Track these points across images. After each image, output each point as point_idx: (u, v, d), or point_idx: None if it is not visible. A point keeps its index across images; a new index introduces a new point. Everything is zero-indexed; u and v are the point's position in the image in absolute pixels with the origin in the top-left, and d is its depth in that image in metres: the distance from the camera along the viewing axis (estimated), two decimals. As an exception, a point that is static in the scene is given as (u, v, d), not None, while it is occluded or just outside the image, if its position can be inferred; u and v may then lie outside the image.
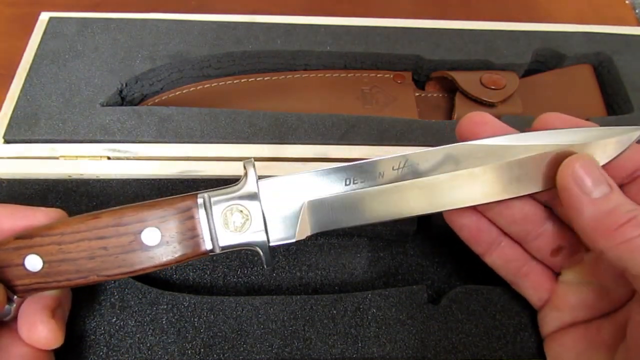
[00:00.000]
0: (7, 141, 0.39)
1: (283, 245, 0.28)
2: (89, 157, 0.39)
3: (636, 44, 0.48)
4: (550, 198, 0.30)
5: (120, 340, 0.32)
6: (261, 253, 0.28)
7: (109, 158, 0.39)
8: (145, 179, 0.38)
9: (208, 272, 0.37)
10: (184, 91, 0.45)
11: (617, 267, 0.25)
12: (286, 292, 0.37)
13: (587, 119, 0.42)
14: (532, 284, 0.32)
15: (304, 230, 0.28)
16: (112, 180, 0.38)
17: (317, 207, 0.28)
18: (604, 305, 0.30)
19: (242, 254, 0.38)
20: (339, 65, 0.47)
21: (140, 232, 0.27)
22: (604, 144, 0.27)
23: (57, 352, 0.30)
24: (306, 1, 0.59)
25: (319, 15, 0.47)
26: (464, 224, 0.31)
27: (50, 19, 0.45)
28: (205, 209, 0.27)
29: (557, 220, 0.30)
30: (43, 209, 0.29)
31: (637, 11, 0.61)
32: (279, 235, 0.28)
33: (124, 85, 0.42)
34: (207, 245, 0.27)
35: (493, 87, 0.44)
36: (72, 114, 0.40)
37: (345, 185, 0.28)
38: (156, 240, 0.27)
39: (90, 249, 0.27)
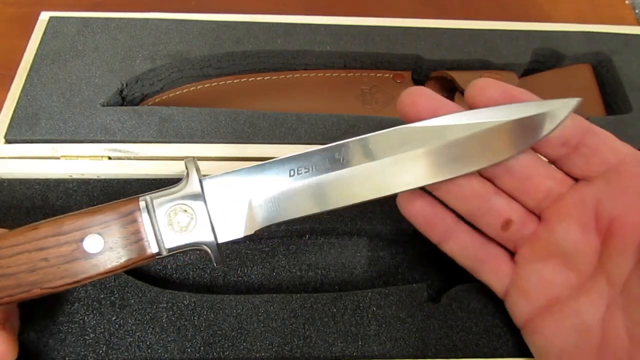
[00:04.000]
0: (8, 141, 0.39)
1: (232, 241, 0.28)
2: (89, 157, 0.39)
3: (636, 44, 0.48)
4: (494, 172, 0.30)
5: (120, 338, 0.32)
6: (209, 252, 0.28)
7: (109, 158, 0.39)
8: (145, 179, 0.38)
9: (208, 271, 0.37)
10: (184, 91, 0.45)
11: None
12: (286, 290, 0.37)
13: (587, 119, 0.43)
14: (491, 268, 0.32)
15: (252, 225, 0.28)
16: (113, 180, 0.38)
17: (263, 200, 0.28)
18: (569, 277, 0.30)
19: (241, 253, 0.38)
20: (339, 65, 0.47)
21: (82, 239, 0.26)
22: (544, 116, 0.27)
23: (57, 351, 0.31)
24: (306, 1, 0.59)
25: (319, 15, 0.47)
26: (418, 212, 0.31)
27: (51, 18, 0.45)
28: (148, 211, 0.27)
29: (504, 194, 0.31)
30: None
31: (637, 11, 0.61)
32: (226, 232, 0.28)
33: (125, 85, 0.42)
34: (153, 249, 0.27)
35: (492, 87, 0.44)
36: (73, 114, 0.40)
37: (290, 176, 0.28)
38: (99, 247, 0.26)
39: (31, 262, 0.26)
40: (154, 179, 0.38)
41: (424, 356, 0.32)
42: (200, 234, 0.27)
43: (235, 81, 0.46)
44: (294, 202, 0.28)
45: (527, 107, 0.28)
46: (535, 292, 0.30)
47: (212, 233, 0.27)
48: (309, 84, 0.46)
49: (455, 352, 0.33)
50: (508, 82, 0.43)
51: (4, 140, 0.39)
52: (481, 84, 0.29)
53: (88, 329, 0.32)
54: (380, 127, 0.41)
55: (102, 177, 0.38)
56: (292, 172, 0.28)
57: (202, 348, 0.32)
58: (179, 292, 0.33)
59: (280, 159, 0.28)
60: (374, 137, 0.28)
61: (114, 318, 0.32)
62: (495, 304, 0.34)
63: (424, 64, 0.46)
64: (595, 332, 0.28)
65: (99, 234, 0.26)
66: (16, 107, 0.40)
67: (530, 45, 0.47)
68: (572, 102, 0.28)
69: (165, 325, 0.32)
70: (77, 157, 0.39)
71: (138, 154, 0.39)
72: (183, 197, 0.27)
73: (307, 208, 0.28)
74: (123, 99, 0.43)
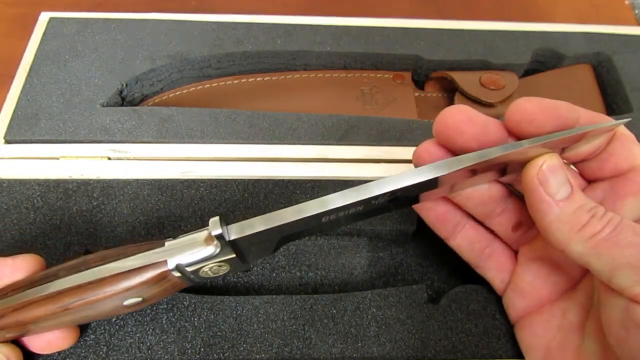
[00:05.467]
0: (7, 141, 0.39)
1: None
2: (89, 157, 0.39)
3: (636, 44, 0.48)
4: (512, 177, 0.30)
5: (120, 339, 0.32)
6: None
7: (109, 158, 0.39)
8: (145, 179, 0.38)
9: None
10: (184, 91, 0.45)
11: (580, 263, 0.26)
12: (286, 291, 0.37)
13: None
14: (496, 264, 0.32)
15: (277, 251, 0.29)
16: (113, 180, 0.38)
17: (292, 237, 0.28)
18: (561, 280, 0.30)
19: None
20: (339, 65, 0.47)
21: (119, 303, 0.27)
22: (591, 140, 0.27)
23: (57, 352, 0.31)
24: (306, 1, 0.59)
25: (319, 15, 0.47)
26: (430, 208, 0.32)
27: (51, 19, 0.45)
28: (181, 272, 0.27)
29: (517, 197, 0.31)
30: (16, 260, 0.28)
31: (637, 11, 0.61)
32: (254, 260, 0.30)
33: (124, 85, 0.42)
34: (188, 284, 0.29)
35: (492, 88, 0.44)
36: (73, 115, 0.40)
37: (323, 221, 0.27)
38: (138, 301, 0.27)
39: (72, 320, 0.28)
40: (153, 180, 0.38)
41: (423, 357, 0.32)
42: (234, 271, 0.29)
43: (235, 81, 0.46)
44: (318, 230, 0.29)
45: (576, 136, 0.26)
46: (529, 291, 0.31)
47: (244, 268, 0.29)
48: (309, 84, 0.46)
49: (455, 354, 0.33)
50: (508, 83, 0.44)
51: (3, 140, 0.39)
52: (528, 109, 0.26)
53: (88, 330, 0.32)
54: (380, 128, 0.41)
55: (102, 177, 0.38)
56: (325, 218, 0.27)
57: (202, 349, 0.32)
58: (178, 293, 0.33)
59: (319, 212, 0.26)
60: (421, 185, 0.26)
61: (114, 319, 0.32)
62: (494, 305, 0.34)
63: (424, 64, 0.46)
64: (578, 333, 0.29)
65: (136, 296, 0.27)
66: (16, 108, 0.40)
67: (530, 46, 0.47)
68: (622, 122, 0.27)
69: (165, 326, 0.32)
70: (77, 157, 0.39)
71: (138, 154, 0.39)
72: (217, 261, 0.27)
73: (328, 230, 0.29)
74: (123, 100, 0.43)
